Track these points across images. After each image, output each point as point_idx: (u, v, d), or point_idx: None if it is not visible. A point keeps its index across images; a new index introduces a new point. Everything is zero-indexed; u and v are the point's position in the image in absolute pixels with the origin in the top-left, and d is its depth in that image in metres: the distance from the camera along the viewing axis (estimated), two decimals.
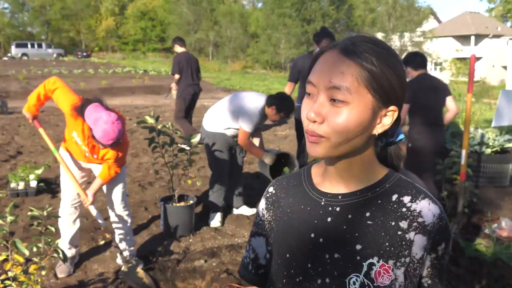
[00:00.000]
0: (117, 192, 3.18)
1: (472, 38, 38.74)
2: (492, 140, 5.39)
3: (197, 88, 6.98)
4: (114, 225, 3.25)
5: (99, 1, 55.22)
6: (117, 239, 3.26)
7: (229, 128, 3.91)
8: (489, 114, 10.63)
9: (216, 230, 4.01)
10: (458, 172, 4.10)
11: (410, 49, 30.80)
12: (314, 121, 0.81)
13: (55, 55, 39.34)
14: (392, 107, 0.84)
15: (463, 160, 3.81)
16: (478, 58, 36.04)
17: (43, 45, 40.06)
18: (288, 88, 4.93)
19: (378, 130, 0.85)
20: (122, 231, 3.23)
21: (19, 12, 54.26)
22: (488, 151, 5.28)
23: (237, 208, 4.32)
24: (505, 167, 5.28)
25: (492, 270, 3.22)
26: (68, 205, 3.13)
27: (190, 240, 3.77)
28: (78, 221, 3.20)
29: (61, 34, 52.62)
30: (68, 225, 3.15)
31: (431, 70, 36.46)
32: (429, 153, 4.07)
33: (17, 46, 38.90)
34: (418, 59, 4.15)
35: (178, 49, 6.96)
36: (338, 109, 0.80)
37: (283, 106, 3.76)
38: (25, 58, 37.34)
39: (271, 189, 1.03)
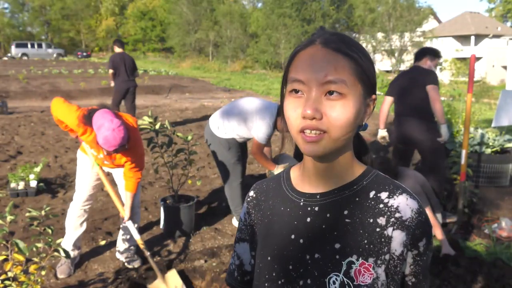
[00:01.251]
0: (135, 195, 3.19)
1: (472, 38, 38.73)
2: (492, 140, 5.39)
3: (130, 84, 8.04)
4: (121, 225, 3.27)
5: (99, 1, 55.22)
6: (120, 239, 3.27)
7: (242, 137, 3.82)
8: (489, 114, 10.62)
9: (216, 230, 4.01)
10: (458, 172, 4.11)
11: (410, 49, 30.77)
12: (313, 118, 0.79)
13: (55, 55, 39.32)
14: (373, 96, 0.87)
15: (463, 160, 3.81)
16: (478, 58, 36.04)
17: (43, 45, 40.02)
18: None
19: (364, 119, 0.86)
20: (127, 231, 3.24)
21: (19, 12, 54.28)
22: (488, 151, 5.27)
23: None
24: (505, 167, 5.27)
25: (492, 270, 3.22)
26: (79, 206, 3.14)
27: (190, 240, 3.77)
28: (85, 224, 3.21)
29: (61, 34, 52.64)
30: (75, 226, 3.16)
31: None
32: (394, 142, 4.54)
33: (17, 46, 38.86)
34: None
35: (116, 49, 8.09)
36: (335, 102, 0.79)
37: None
38: (25, 58, 37.33)
39: (251, 193, 1.03)
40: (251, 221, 1.00)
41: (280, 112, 3.64)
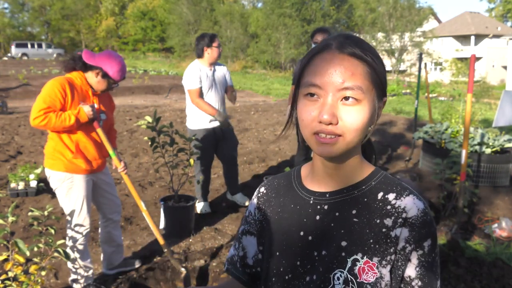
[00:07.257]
0: (116, 194, 3.14)
1: (472, 38, 38.73)
2: (492, 140, 5.39)
3: None
4: (113, 227, 3.16)
5: (99, 1, 55.19)
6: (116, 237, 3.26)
7: (211, 120, 4.19)
8: (489, 114, 10.63)
9: (216, 230, 4.01)
10: (458, 172, 4.11)
11: (410, 49, 30.78)
12: (329, 123, 0.81)
13: (55, 55, 39.30)
14: (384, 98, 0.89)
15: (463, 160, 3.81)
16: (478, 58, 36.04)
17: (43, 45, 39.99)
18: None
19: (375, 121, 0.88)
20: (119, 231, 3.23)
21: (19, 12, 54.18)
22: (488, 151, 5.28)
23: (232, 195, 4.61)
24: (505, 167, 5.27)
25: (492, 270, 3.22)
26: (86, 236, 2.88)
27: (190, 240, 3.77)
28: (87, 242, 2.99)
29: (61, 34, 52.57)
30: (83, 252, 2.90)
31: (431, 70, 36.46)
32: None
33: (17, 46, 38.80)
34: None
35: None
36: (351, 107, 0.81)
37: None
38: (25, 58, 37.30)
39: (262, 189, 1.06)
40: (261, 217, 1.02)
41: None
